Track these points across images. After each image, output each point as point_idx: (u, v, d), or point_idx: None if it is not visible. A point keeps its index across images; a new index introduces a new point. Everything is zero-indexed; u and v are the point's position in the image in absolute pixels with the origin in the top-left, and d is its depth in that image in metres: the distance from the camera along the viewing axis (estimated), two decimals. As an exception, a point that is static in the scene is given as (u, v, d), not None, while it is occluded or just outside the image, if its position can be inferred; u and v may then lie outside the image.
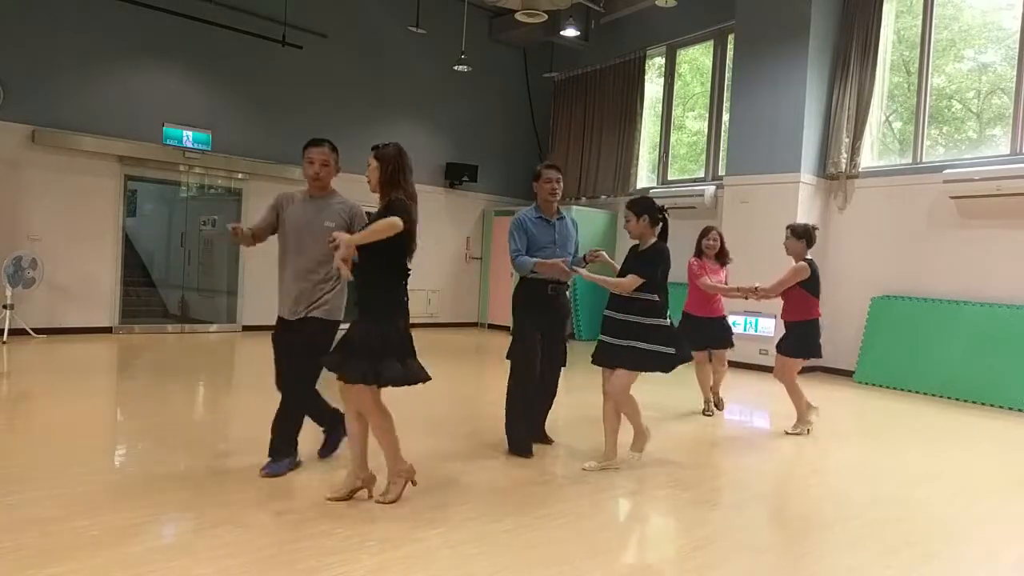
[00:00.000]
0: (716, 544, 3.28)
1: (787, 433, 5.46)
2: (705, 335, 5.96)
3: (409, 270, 3.45)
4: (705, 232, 6.13)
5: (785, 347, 5.51)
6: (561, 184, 4.61)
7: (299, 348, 3.77)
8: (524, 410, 4.55)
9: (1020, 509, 4.04)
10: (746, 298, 5.63)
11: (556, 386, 4.74)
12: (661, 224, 4.16)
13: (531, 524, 3.34)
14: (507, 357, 4.58)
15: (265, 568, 2.73)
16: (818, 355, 5.59)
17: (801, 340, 5.46)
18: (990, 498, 4.18)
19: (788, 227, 5.52)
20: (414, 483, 3.53)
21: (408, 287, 3.47)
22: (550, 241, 4.53)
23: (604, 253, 4.54)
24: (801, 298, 5.40)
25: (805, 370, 8.92)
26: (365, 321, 3.35)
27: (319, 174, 3.82)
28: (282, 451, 3.88)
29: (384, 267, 3.34)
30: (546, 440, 4.77)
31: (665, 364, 4.13)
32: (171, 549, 2.93)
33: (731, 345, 6.16)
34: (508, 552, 3.01)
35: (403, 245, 3.32)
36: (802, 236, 5.42)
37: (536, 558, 2.96)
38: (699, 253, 6.09)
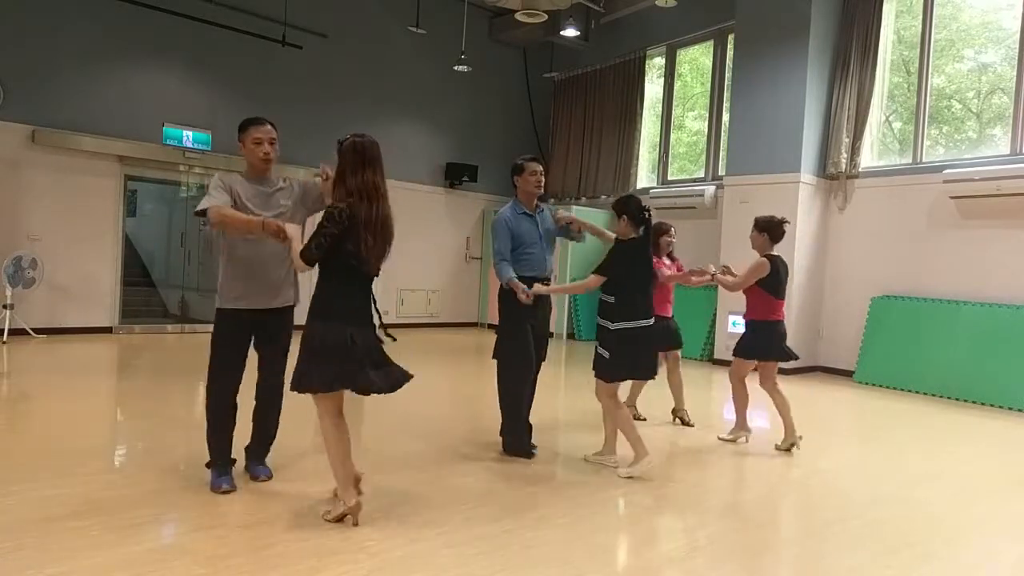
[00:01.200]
0: (716, 544, 3.28)
1: (720, 439, 5.19)
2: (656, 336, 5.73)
3: (368, 273, 3.17)
4: (666, 230, 5.70)
5: (736, 345, 5.13)
6: (544, 177, 4.53)
7: (284, 339, 3.67)
8: (521, 410, 4.50)
9: (1020, 509, 4.04)
10: (712, 280, 5.24)
11: (536, 382, 4.63)
12: (644, 223, 4.10)
13: (531, 524, 3.34)
14: (495, 356, 4.48)
15: (265, 568, 2.73)
16: (771, 358, 5.04)
17: (751, 340, 5.02)
18: (990, 498, 4.18)
19: (754, 219, 5.13)
20: (355, 522, 3.14)
21: (371, 291, 3.22)
22: (536, 237, 4.46)
23: (577, 218, 4.67)
24: (757, 297, 4.98)
25: (804, 370, 8.99)
26: (309, 321, 3.15)
27: (270, 154, 3.65)
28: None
29: (330, 268, 3.14)
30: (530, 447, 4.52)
31: (606, 371, 4.08)
32: (171, 549, 2.93)
33: (677, 346, 5.75)
34: (508, 552, 3.01)
35: (342, 248, 3.06)
36: (764, 229, 4.98)
37: (536, 558, 2.96)
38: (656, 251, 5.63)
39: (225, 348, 3.55)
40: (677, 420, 5.75)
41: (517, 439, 4.48)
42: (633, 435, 4.14)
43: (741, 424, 5.19)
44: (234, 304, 3.53)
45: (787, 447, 4.96)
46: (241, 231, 3.37)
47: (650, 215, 4.15)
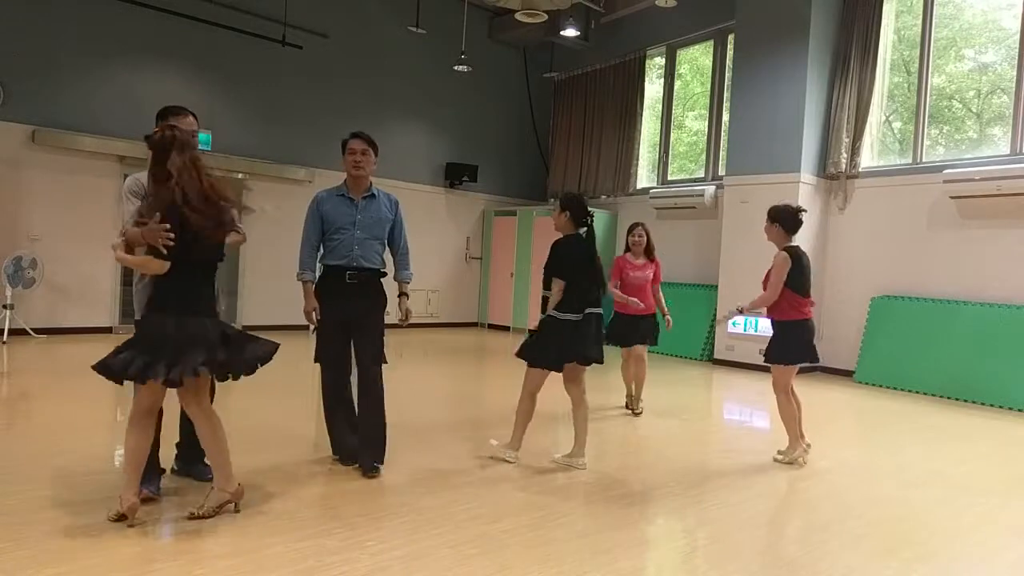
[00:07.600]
0: (716, 544, 3.28)
1: (776, 460, 4.69)
2: (634, 332, 5.91)
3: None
4: (631, 229, 6.03)
5: (768, 351, 4.67)
6: (368, 156, 3.97)
7: None
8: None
9: (1020, 509, 4.04)
10: (744, 312, 4.89)
11: (380, 388, 4.01)
12: (586, 224, 4.28)
13: (531, 524, 3.35)
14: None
15: (265, 568, 2.73)
16: (807, 360, 4.67)
17: (782, 342, 4.62)
18: (990, 498, 4.18)
19: (768, 209, 4.74)
20: (236, 509, 3.21)
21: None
22: (349, 222, 3.97)
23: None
24: (782, 294, 4.56)
25: (804, 370, 8.97)
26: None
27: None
28: None
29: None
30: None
31: (527, 356, 4.29)
32: (171, 549, 2.93)
33: (652, 343, 6.00)
34: (508, 552, 3.01)
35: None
36: (775, 219, 4.61)
37: (535, 558, 2.96)
38: (627, 249, 6.04)
39: None
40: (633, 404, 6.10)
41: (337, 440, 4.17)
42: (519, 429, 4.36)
43: (795, 439, 4.66)
44: None
45: (789, 460, 4.64)
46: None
47: (591, 219, 4.31)
